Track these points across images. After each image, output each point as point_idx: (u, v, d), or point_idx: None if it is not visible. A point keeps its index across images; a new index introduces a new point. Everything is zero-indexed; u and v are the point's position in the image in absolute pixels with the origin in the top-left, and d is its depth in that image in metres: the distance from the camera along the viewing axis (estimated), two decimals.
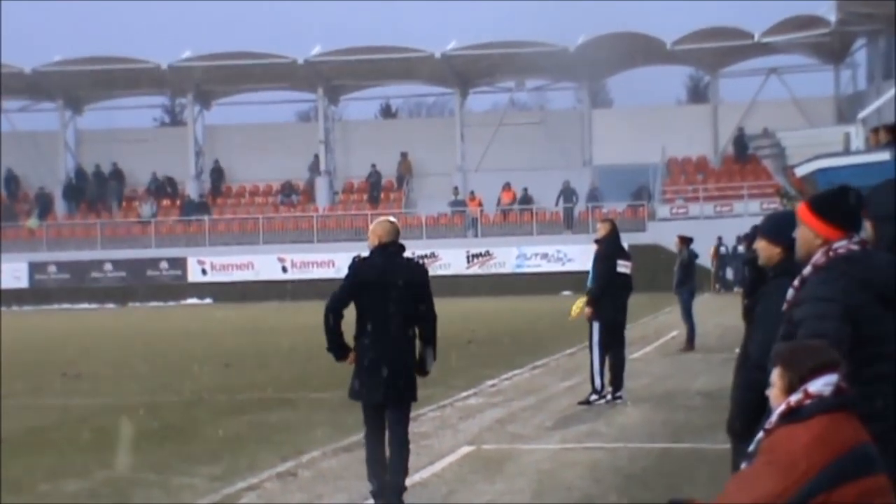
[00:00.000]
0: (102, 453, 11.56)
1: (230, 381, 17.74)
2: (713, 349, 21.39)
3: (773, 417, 4.33)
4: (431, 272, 9.75)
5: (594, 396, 14.84)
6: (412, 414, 9.25)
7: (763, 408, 4.50)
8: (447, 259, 50.40)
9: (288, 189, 56.89)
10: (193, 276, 52.67)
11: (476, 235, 53.10)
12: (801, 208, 5.19)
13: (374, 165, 56.03)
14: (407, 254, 9.10)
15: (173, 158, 57.62)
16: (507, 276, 50.28)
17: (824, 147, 32.71)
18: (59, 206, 58.10)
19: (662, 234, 45.32)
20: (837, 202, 5.13)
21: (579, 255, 44.19)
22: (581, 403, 14.73)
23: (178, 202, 57.23)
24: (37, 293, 52.18)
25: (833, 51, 53.18)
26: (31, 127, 60.31)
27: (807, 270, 5.03)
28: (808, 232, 5.12)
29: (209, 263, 52.72)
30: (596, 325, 15.02)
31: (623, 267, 15.22)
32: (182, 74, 56.80)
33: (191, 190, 57.89)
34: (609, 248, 15.22)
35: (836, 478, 4.15)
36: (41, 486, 10.08)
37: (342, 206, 56.45)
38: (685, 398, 15.27)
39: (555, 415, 14.01)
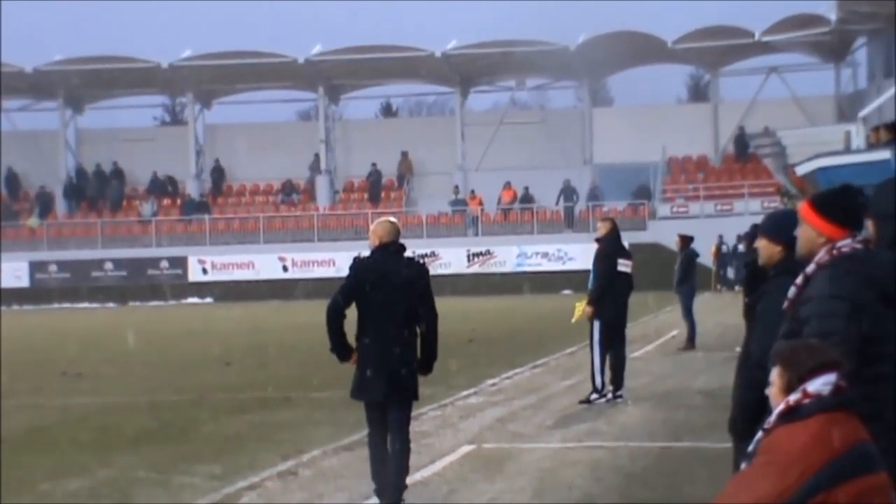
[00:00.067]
0: (103, 452, 11.56)
1: (231, 381, 17.75)
2: (714, 348, 21.39)
3: (772, 417, 4.33)
4: (432, 271, 9.75)
5: (595, 395, 14.84)
6: (413, 413, 9.25)
7: (764, 407, 4.50)
8: (448, 258, 50.40)
9: (288, 188, 56.89)
10: (194, 275, 52.68)
11: (476, 234, 53.10)
12: (803, 207, 5.19)
13: (374, 164, 56.02)
14: (407, 253, 9.11)
15: (174, 158, 57.64)
16: (508, 275, 50.27)
17: (825, 146, 32.65)
18: (60, 205, 58.11)
19: (663, 232, 45.31)
20: (840, 201, 5.13)
21: (580, 254, 44.18)
22: (582, 402, 14.73)
23: (178, 201, 57.22)
24: (37, 292, 52.17)
25: (833, 49, 53.18)
26: (32, 126, 60.35)
27: (810, 268, 5.03)
28: (810, 230, 5.12)
29: (210, 263, 52.72)
30: (596, 324, 15.02)
31: (624, 266, 15.21)
32: (182, 74, 56.80)
33: (191, 189, 57.90)
34: (609, 247, 15.21)
35: (834, 477, 4.14)
36: (42, 486, 10.09)
37: (343, 206, 56.46)
38: (686, 397, 15.26)
39: (555, 414, 14.01)
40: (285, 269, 52.10)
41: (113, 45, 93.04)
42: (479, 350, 21.51)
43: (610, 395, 14.91)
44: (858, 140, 32.49)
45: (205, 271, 52.67)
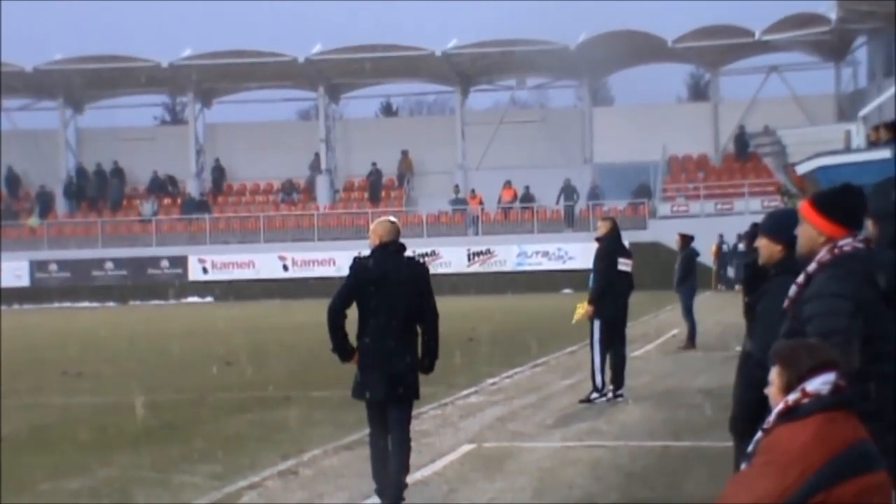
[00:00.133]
0: (103, 452, 11.56)
1: (231, 380, 17.74)
2: (714, 347, 21.39)
3: (772, 417, 4.33)
4: (432, 270, 9.76)
5: (595, 394, 14.84)
6: (413, 412, 9.26)
7: (765, 406, 4.50)
8: (448, 257, 50.40)
9: (289, 187, 56.89)
10: (194, 274, 52.69)
11: (477, 234, 53.11)
12: (803, 206, 5.19)
13: (374, 164, 56.02)
14: (408, 252, 9.12)
15: (174, 157, 57.65)
16: (508, 274, 50.29)
17: (825, 145, 32.64)
18: (60, 204, 58.12)
19: (663, 232, 45.31)
20: (841, 200, 5.13)
21: (580, 254, 44.18)
22: (582, 401, 14.73)
23: (178, 201, 57.23)
24: (37, 292, 52.20)
25: (834, 49, 53.18)
26: (32, 125, 60.36)
27: (811, 267, 5.03)
28: (810, 229, 5.12)
29: (210, 262, 52.73)
30: (597, 323, 15.02)
31: (624, 265, 15.22)
32: (183, 73, 56.80)
33: (192, 188, 57.91)
34: (610, 246, 15.21)
35: (834, 476, 4.15)
36: (42, 485, 10.08)
37: (343, 205, 56.46)
38: (686, 396, 15.26)
39: (556, 413, 14.01)
40: (285, 268, 52.10)
41: (113, 45, 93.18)
42: (480, 349, 21.49)
43: (610, 395, 14.91)
44: (859, 139, 32.49)
45: (205, 271, 52.68)
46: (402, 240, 9.04)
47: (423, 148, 56.76)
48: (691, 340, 22.11)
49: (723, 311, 29.72)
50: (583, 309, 15.14)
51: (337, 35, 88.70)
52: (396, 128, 61.76)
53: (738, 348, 5.98)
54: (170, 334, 28.95)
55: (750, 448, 4.39)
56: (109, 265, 53.43)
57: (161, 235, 54.67)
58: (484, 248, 51.43)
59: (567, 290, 43.27)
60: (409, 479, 9.03)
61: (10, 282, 51.97)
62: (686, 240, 23.19)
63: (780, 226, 5.70)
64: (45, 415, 14.50)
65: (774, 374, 4.38)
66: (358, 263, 8.96)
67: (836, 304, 4.84)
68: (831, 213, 5.07)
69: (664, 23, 68.99)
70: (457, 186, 55.06)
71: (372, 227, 9.11)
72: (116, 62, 56.14)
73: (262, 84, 59.85)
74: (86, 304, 50.21)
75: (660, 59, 57.30)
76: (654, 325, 27.61)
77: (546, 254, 50.51)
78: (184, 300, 50.42)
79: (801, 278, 5.05)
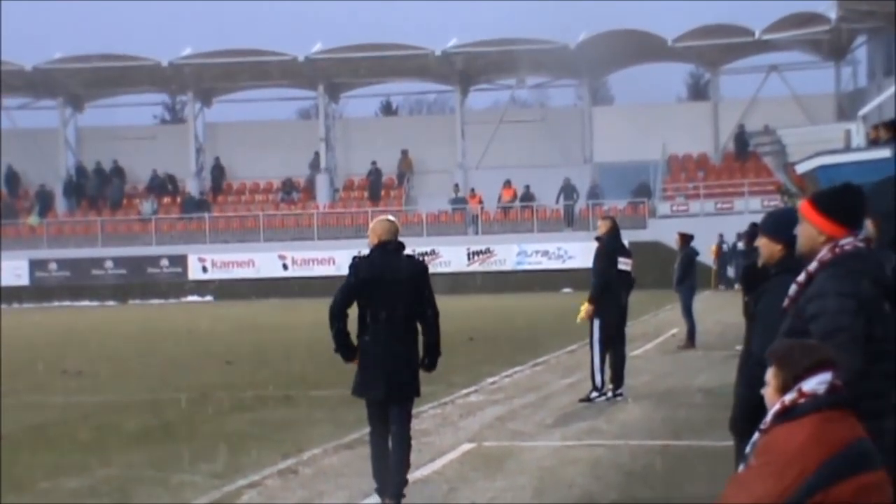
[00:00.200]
0: (103, 451, 11.56)
1: (231, 379, 17.74)
2: (713, 346, 21.40)
3: (769, 417, 4.33)
4: (432, 269, 9.77)
5: (595, 394, 14.84)
6: (413, 411, 9.26)
7: (766, 406, 4.50)
8: (448, 256, 50.39)
9: (288, 186, 56.89)
10: (194, 273, 52.69)
11: (477, 233, 53.10)
12: (803, 205, 5.19)
13: (374, 163, 56.00)
14: (407, 251, 9.12)
15: (174, 156, 57.63)
16: (508, 273, 50.29)
17: (825, 144, 32.58)
18: (60, 203, 58.11)
19: (663, 231, 45.32)
20: (841, 199, 5.13)
21: (580, 253, 44.17)
22: (582, 401, 14.74)
23: (178, 199, 57.22)
24: (37, 290, 52.20)
25: (833, 48, 53.19)
26: (32, 124, 60.35)
27: (812, 266, 5.03)
28: (810, 229, 5.12)
29: (210, 261, 52.73)
30: (596, 323, 15.02)
31: (624, 264, 15.22)
32: (182, 72, 56.78)
33: (191, 187, 57.90)
34: (609, 246, 15.21)
35: (832, 475, 4.14)
36: (42, 484, 10.08)
37: (343, 204, 56.45)
38: (686, 395, 15.26)
39: (555, 412, 14.01)
40: (285, 267, 52.10)
41: (113, 44, 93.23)
42: (480, 348, 21.51)
43: (610, 394, 14.91)
44: (859, 138, 32.45)
45: (205, 269, 52.67)
46: (401, 239, 9.05)
47: (422, 147, 56.75)
48: (691, 340, 22.12)
49: (722, 310, 29.73)
50: (586, 308, 15.15)
51: (337, 34, 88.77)
52: (396, 127, 61.76)
53: (738, 347, 5.99)
54: (169, 333, 28.96)
55: (747, 449, 4.39)
56: (109, 264, 53.42)
57: (161, 234, 54.66)
58: (484, 248, 51.44)
59: (567, 290, 43.28)
60: (409, 477, 9.03)
61: (9, 281, 51.97)
62: (685, 239, 23.19)
63: (780, 225, 5.71)
64: (45, 414, 14.50)
65: (770, 375, 4.38)
66: (357, 262, 8.97)
67: (840, 302, 4.84)
68: (831, 212, 5.07)
69: (664, 22, 69.06)
70: (456, 186, 55.06)
71: (371, 226, 9.13)
72: (116, 61, 56.14)
73: (262, 83, 59.83)
74: (85, 303, 50.22)
75: (660, 59, 57.29)
76: (653, 324, 27.62)
77: (546, 253, 50.50)
78: (183, 299, 50.44)
79: (801, 277, 5.05)
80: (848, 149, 31.20)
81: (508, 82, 59.97)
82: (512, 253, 51.06)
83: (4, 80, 54.43)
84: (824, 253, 5.01)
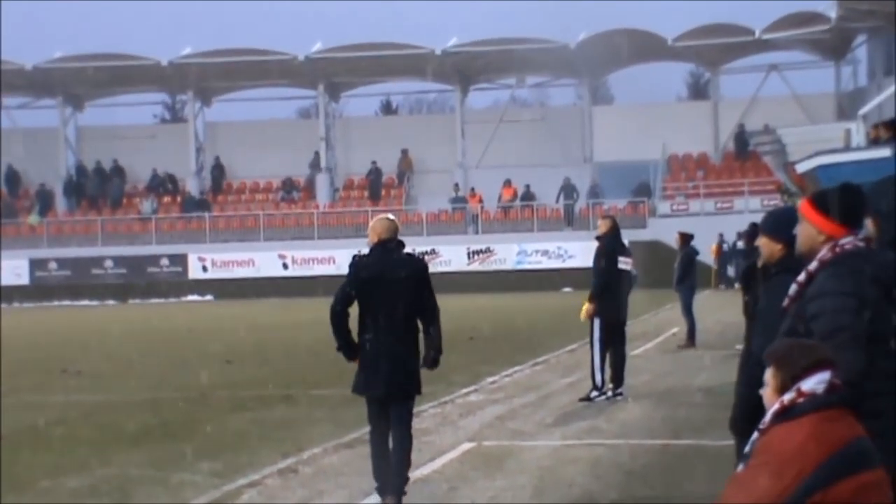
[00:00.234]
0: (103, 450, 11.56)
1: (231, 378, 17.74)
2: (714, 346, 21.39)
3: (767, 417, 4.33)
4: (432, 269, 9.76)
5: (595, 393, 14.84)
6: (413, 410, 9.25)
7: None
8: (448, 256, 50.39)
9: (288, 186, 56.89)
10: (194, 272, 52.70)
11: (477, 232, 53.10)
12: (803, 205, 5.19)
13: (374, 162, 56.00)
14: (407, 250, 9.11)
15: (174, 155, 57.62)
16: (508, 272, 50.28)
17: (825, 143, 32.57)
18: (60, 202, 58.12)
19: (663, 230, 45.32)
20: (841, 199, 5.13)
21: (580, 252, 44.15)
22: (582, 400, 14.74)
23: (178, 199, 57.23)
24: (37, 290, 52.20)
25: (833, 47, 53.18)
26: (32, 123, 60.37)
27: (813, 266, 5.03)
28: (810, 228, 5.12)
29: (210, 260, 52.73)
30: (597, 322, 15.02)
31: (624, 263, 15.22)
32: (182, 71, 56.78)
33: (191, 187, 57.90)
34: (610, 245, 15.21)
35: (831, 475, 4.15)
36: (42, 483, 10.08)
37: (343, 203, 56.45)
38: (686, 395, 15.26)
39: (555, 411, 14.01)
40: (285, 266, 52.11)
41: (113, 43, 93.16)
42: (480, 348, 21.50)
43: (610, 393, 14.91)
44: (859, 138, 32.45)
45: (205, 269, 52.67)
46: (401, 238, 9.05)
47: (422, 146, 56.75)
48: (691, 339, 22.12)
49: (723, 309, 29.72)
50: (587, 307, 15.16)
51: (337, 33, 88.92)
52: (396, 126, 61.76)
53: (738, 347, 5.99)
54: (169, 332, 28.96)
55: (746, 448, 4.39)
56: (109, 263, 53.43)
57: (161, 234, 54.66)
58: (484, 247, 51.44)
59: (567, 289, 43.26)
60: (410, 476, 9.03)
61: (9, 280, 51.97)
62: (685, 238, 23.19)
63: (780, 225, 5.71)
64: (45, 413, 14.48)
65: (769, 375, 4.38)
66: (357, 261, 8.97)
67: (841, 301, 4.84)
68: (831, 211, 5.08)
69: (664, 21, 69.10)
70: (457, 185, 55.06)
71: (371, 224, 9.13)
72: (116, 60, 56.13)
73: (262, 82, 59.82)
74: (85, 302, 50.22)
75: (660, 58, 57.29)
76: (653, 323, 27.61)
77: (546, 252, 50.50)
78: (183, 298, 50.43)
79: (801, 277, 5.05)
80: (848, 148, 31.19)
81: (508, 82, 59.99)
82: (512, 252, 51.07)
83: (4, 79, 54.42)
84: (824, 252, 5.01)
